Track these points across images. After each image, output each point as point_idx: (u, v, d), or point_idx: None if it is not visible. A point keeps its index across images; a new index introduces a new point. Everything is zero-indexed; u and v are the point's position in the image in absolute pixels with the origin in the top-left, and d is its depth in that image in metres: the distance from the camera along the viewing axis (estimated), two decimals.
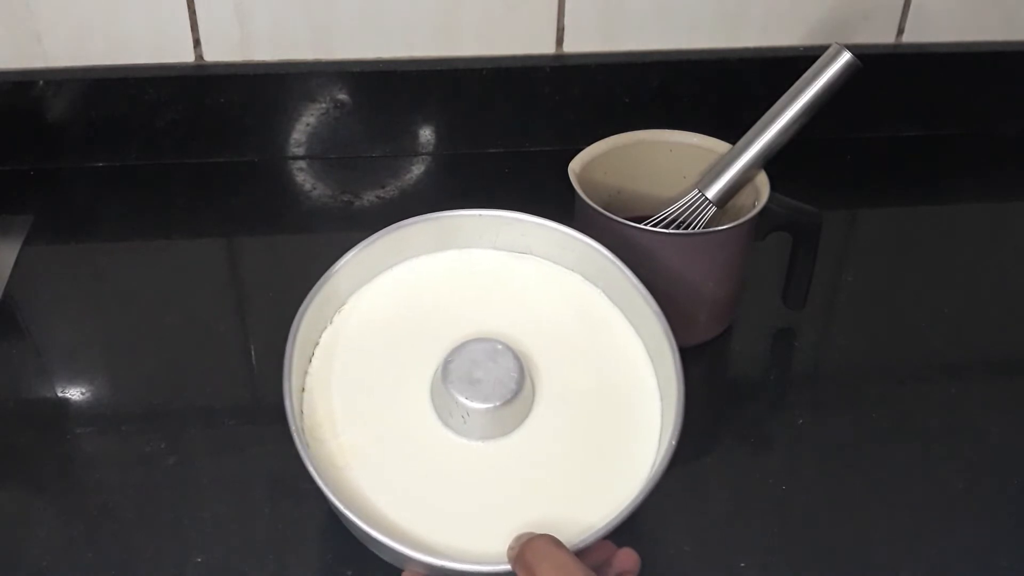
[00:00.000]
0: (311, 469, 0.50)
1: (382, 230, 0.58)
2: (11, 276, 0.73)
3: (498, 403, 0.53)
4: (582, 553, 0.48)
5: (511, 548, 0.47)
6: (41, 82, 0.79)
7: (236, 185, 0.82)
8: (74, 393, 0.65)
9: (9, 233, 0.76)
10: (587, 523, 0.49)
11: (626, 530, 0.54)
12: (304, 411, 0.55)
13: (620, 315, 0.59)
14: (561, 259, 0.61)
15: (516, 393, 0.53)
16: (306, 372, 0.56)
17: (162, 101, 0.80)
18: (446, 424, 0.54)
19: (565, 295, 0.60)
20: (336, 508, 0.49)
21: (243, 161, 0.84)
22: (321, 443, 0.54)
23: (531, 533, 0.47)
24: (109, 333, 0.70)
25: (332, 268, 0.57)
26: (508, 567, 0.47)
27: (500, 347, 0.54)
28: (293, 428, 0.51)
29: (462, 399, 0.53)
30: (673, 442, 0.51)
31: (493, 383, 0.53)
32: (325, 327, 0.58)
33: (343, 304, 0.59)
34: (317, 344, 0.58)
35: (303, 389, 0.56)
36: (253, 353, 0.69)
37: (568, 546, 0.46)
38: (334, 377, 0.57)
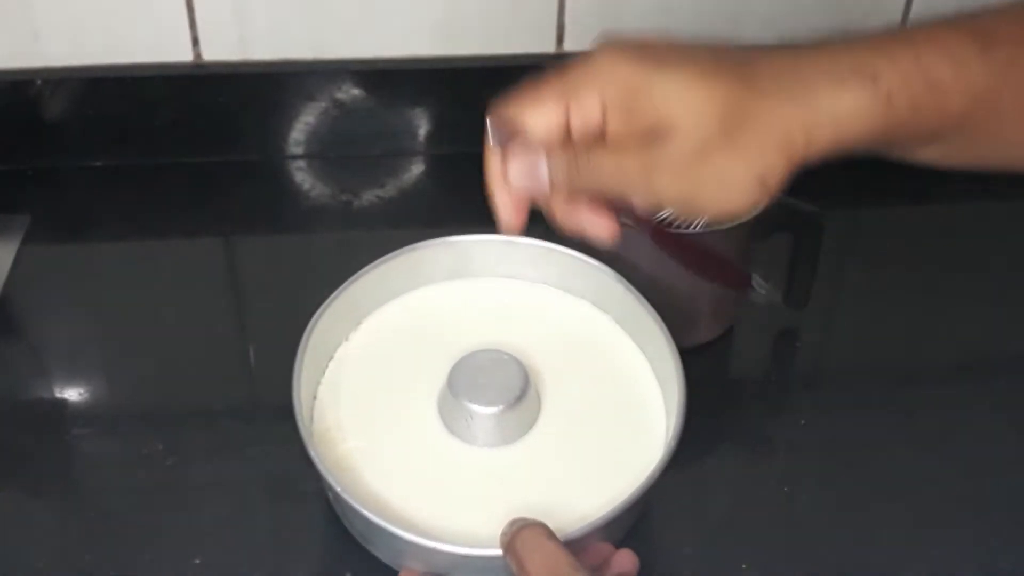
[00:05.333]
0: (312, 454, 0.51)
1: (395, 251, 0.61)
2: (9, 276, 0.72)
3: (502, 407, 0.54)
4: (580, 552, 0.48)
5: (504, 534, 0.47)
6: (39, 81, 0.78)
7: (235, 185, 0.82)
8: (72, 394, 0.65)
9: (7, 233, 0.76)
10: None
11: (627, 532, 0.54)
12: (314, 417, 0.56)
13: (628, 338, 0.61)
14: (573, 286, 0.63)
15: (519, 399, 0.54)
16: (319, 382, 0.58)
17: (160, 100, 0.80)
18: (451, 431, 0.56)
19: (574, 319, 0.63)
20: (339, 495, 0.50)
21: (242, 161, 0.84)
22: (330, 446, 0.55)
23: (524, 519, 0.47)
24: (107, 333, 0.70)
25: (348, 281, 0.59)
26: (501, 552, 0.47)
27: (506, 357, 0.56)
28: (302, 429, 0.51)
29: (466, 403, 0.54)
30: (673, 444, 0.52)
31: (497, 388, 0.54)
32: (340, 343, 0.60)
33: (359, 324, 0.61)
34: (331, 358, 0.60)
35: (314, 396, 0.58)
36: (252, 354, 0.69)
37: (561, 536, 0.46)
38: (345, 386, 0.59)
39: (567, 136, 0.43)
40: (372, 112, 0.83)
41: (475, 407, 0.54)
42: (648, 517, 0.57)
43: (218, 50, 0.80)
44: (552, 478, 0.54)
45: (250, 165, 0.84)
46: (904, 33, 0.43)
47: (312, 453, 0.51)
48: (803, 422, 0.64)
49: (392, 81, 0.82)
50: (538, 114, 0.42)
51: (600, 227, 0.45)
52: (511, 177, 0.43)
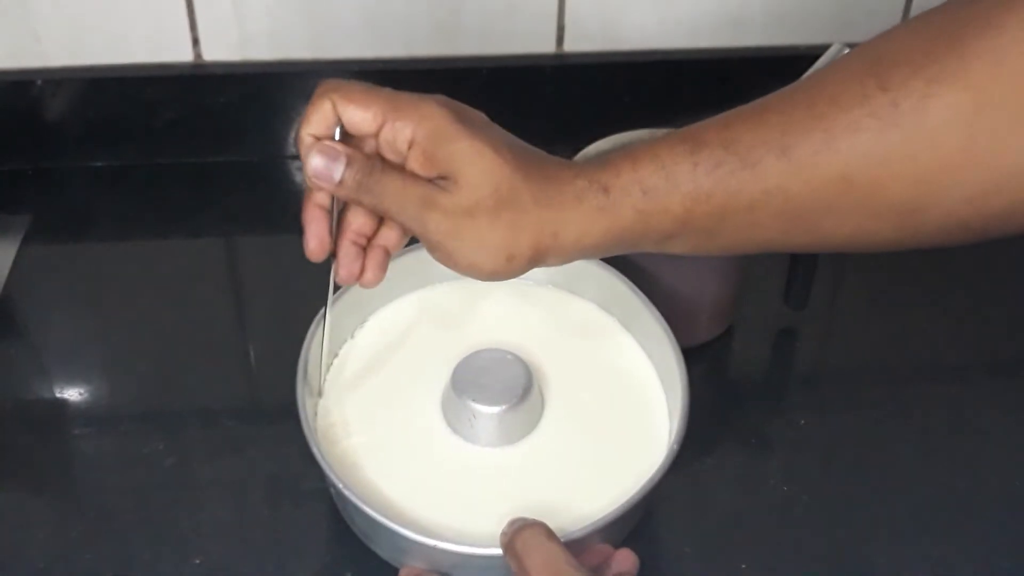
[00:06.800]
0: (315, 450, 0.51)
1: (402, 250, 0.60)
2: (9, 276, 0.72)
3: (505, 407, 0.54)
4: (580, 553, 0.48)
5: (503, 534, 0.47)
6: (39, 81, 0.78)
7: (235, 185, 0.82)
8: (72, 393, 0.65)
9: (7, 233, 0.76)
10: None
11: (627, 532, 0.54)
12: (318, 413, 0.56)
13: (631, 339, 0.61)
14: (576, 287, 0.63)
15: (523, 399, 0.54)
16: (324, 380, 0.58)
17: (161, 100, 0.80)
18: (455, 431, 0.56)
19: (578, 319, 0.63)
20: (340, 491, 0.50)
21: (242, 161, 0.84)
22: (333, 443, 0.55)
23: (524, 519, 0.47)
24: (108, 333, 0.70)
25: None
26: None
27: (510, 357, 0.56)
28: (305, 425, 0.51)
29: (469, 402, 0.54)
30: (675, 447, 0.52)
31: (500, 388, 0.55)
32: (345, 340, 0.61)
33: (365, 321, 0.62)
34: (336, 355, 0.60)
35: (319, 394, 0.57)
36: (252, 353, 0.69)
37: (562, 536, 0.46)
38: (349, 384, 0.59)
39: (367, 147, 0.48)
40: None
41: (478, 406, 0.54)
42: (649, 517, 0.57)
43: (218, 50, 0.80)
44: (555, 478, 0.54)
45: (250, 165, 0.84)
46: (634, 147, 0.48)
47: (314, 448, 0.51)
48: (803, 422, 0.64)
49: (392, 81, 0.81)
50: (359, 113, 0.47)
51: (354, 262, 0.50)
52: (309, 162, 0.47)
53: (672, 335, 0.56)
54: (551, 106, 0.84)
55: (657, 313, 0.58)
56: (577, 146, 0.67)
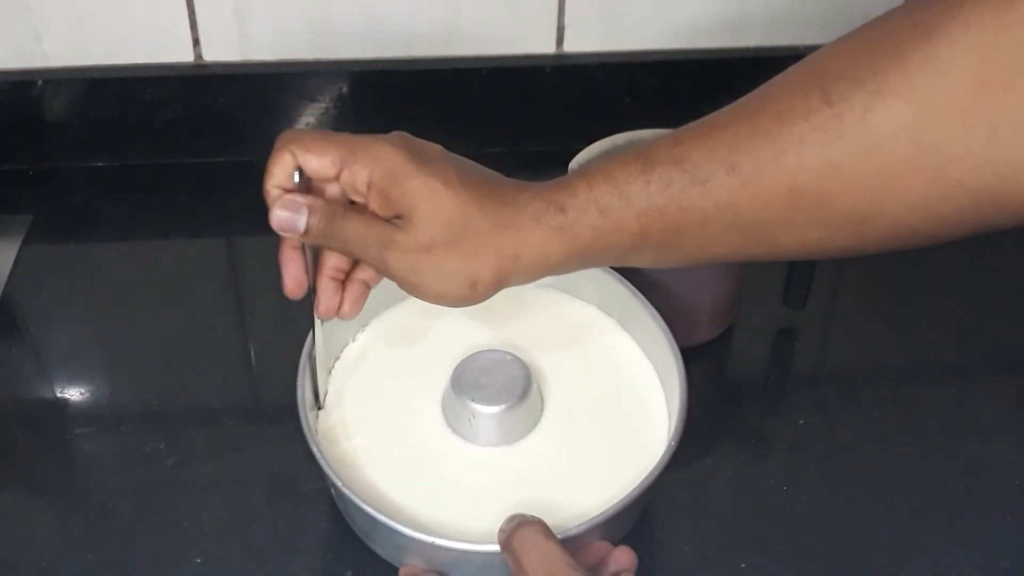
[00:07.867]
0: (315, 449, 0.51)
1: None
2: (10, 276, 0.73)
3: (504, 407, 0.54)
4: (578, 551, 0.48)
5: (501, 531, 0.47)
6: (40, 82, 0.78)
7: (236, 185, 0.82)
8: (73, 393, 0.65)
9: (8, 233, 0.76)
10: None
11: (627, 531, 0.54)
12: (319, 415, 0.56)
13: (630, 339, 0.62)
14: (575, 288, 0.64)
15: (522, 398, 0.54)
16: (324, 381, 0.58)
17: (161, 101, 0.80)
18: (455, 431, 0.56)
19: (577, 319, 0.63)
20: (340, 490, 0.50)
21: (243, 161, 0.84)
22: (334, 444, 0.56)
23: (522, 515, 0.47)
24: (108, 333, 0.70)
25: None
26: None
27: (509, 357, 0.56)
28: (305, 425, 0.52)
29: (469, 402, 0.54)
30: (673, 444, 0.52)
31: (500, 388, 0.55)
32: (347, 343, 0.61)
33: (366, 325, 0.62)
34: (338, 358, 0.60)
35: (319, 407, 0.58)
36: (253, 353, 0.69)
37: (559, 533, 0.47)
38: (350, 386, 0.59)
39: (330, 191, 0.50)
40: (372, 113, 0.84)
41: (478, 406, 0.54)
42: (648, 516, 0.57)
43: (219, 51, 0.80)
44: (554, 477, 0.55)
45: (250, 165, 0.83)
46: (590, 167, 0.49)
47: (314, 448, 0.51)
48: (802, 422, 0.64)
49: (392, 82, 0.82)
50: (317, 161, 0.49)
51: (333, 297, 0.53)
52: (274, 215, 0.49)
53: (670, 334, 0.57)
54: (551, 106, 0.85)
55: (655, 312, 0.58)
56: (577, 146, 0.67)
